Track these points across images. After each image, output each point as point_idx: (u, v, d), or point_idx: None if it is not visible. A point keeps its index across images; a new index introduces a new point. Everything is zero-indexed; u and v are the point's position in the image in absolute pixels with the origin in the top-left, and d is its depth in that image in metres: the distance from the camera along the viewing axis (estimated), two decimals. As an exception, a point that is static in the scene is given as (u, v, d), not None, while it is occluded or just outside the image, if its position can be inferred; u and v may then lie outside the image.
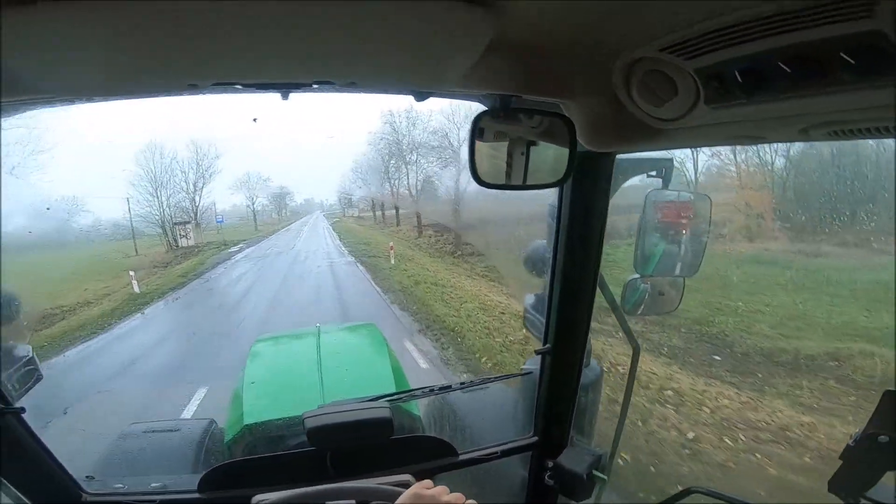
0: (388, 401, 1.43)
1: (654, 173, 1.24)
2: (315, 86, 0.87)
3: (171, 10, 0.53)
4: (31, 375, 1.26)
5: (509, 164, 0.97)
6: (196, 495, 1.32)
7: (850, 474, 0.89)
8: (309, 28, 0.62)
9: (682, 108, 0.75)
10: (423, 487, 0.93)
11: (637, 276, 1.32)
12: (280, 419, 2.07)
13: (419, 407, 2.24)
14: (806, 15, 0.53)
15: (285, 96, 0.91)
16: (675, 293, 1.34)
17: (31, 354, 1.28)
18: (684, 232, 1.33)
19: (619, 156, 1.16)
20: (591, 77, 0.85)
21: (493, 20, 0.64)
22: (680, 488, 1.35)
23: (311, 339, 2.96)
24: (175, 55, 0.66)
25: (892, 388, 0.83)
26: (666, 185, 1.25)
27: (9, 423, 1.14)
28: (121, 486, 1.37)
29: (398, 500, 0.90)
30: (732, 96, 0.68)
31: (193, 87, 0.81)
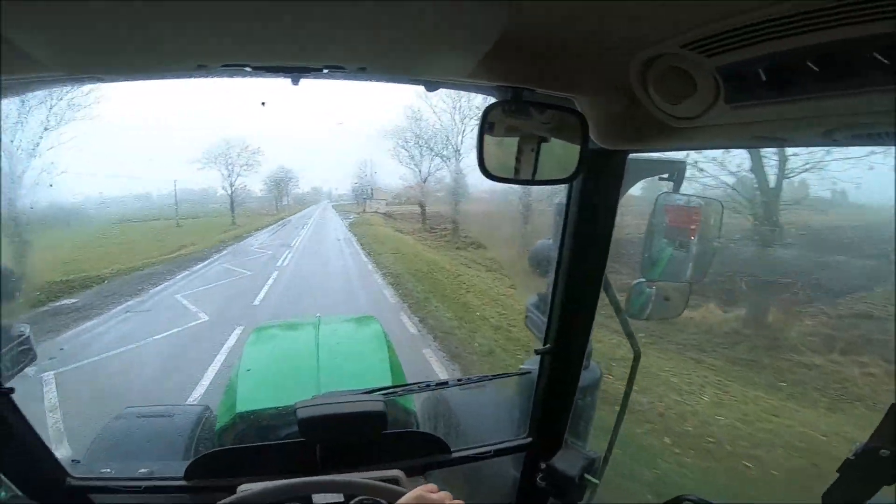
0: (383, 395, 1.40)
1: (665, 175, 1.22)
2: (325, 70, 0.85)
3: None
4: (25, 356, 1.22)
5: (518, 159, 0.96)
6: (182, 482, 1.31)
7: (847, 488, 0.87)
8: (320, 10, 0.61)
9: (701, 107, 0.73)
10: (427, 490, 0.93)
11: (643, 280, 1.30)
12: (273, 408, 2.05)
13: (415, 402, 2.22)
14: (834, 13, 0.52)
15: (296, 81, 0.90)
16: (680, 299, 1.32)
17: (27, 334, 1.23)
18: (693, 237, 1.31)
19: (631, 155, 1.14)
20: (607, 73, 0.83)
21: (506, 13, 0.62)
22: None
23: (310, 330, 2.94)
24: (183, 34, 0.65)
25: None
26: (677, 188, 1.23)
27: None
28: (108, 470, 1.36)
29: (400, 501, 0.90)
30: (754, 95, 0.66)
31: (202, 69, 0.80)
